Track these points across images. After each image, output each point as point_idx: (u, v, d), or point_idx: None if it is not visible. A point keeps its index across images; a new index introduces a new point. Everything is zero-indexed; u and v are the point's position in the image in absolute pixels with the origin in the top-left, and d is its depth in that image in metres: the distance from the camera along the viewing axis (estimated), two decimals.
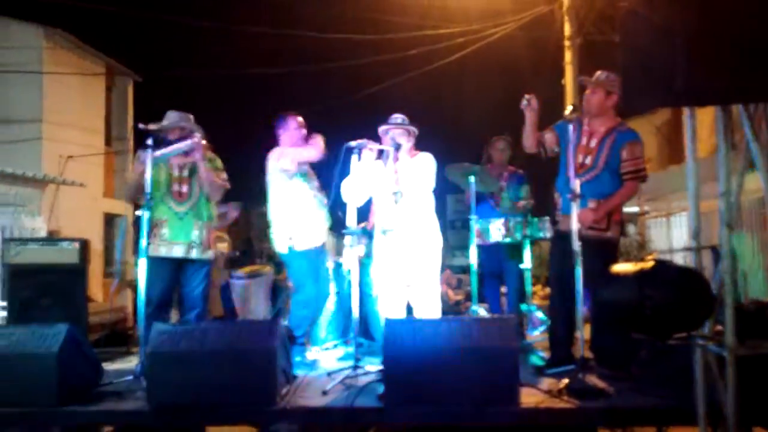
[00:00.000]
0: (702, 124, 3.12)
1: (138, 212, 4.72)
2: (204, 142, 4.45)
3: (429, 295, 4.37)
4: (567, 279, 3.85)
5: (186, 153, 4.38)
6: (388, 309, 4.39)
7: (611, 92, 4.05)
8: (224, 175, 4.65)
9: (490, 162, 5.75)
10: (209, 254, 4.55)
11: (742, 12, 2.42)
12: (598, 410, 3.22)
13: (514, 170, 5.75)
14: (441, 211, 4.58)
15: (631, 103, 2.74)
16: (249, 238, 6.73)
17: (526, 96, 4.11)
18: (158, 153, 4.11)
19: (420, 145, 4.63)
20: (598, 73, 4.14)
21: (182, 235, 4.44)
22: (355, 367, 3.81)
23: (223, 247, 7.11)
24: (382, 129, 4.52)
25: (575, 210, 3.72)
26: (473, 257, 5.51)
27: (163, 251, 4.39)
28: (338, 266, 5.64)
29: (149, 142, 4.04)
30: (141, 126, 4.14)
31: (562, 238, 4.04)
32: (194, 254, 4.45)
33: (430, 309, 4.37)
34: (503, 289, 5.89)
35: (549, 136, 4.28)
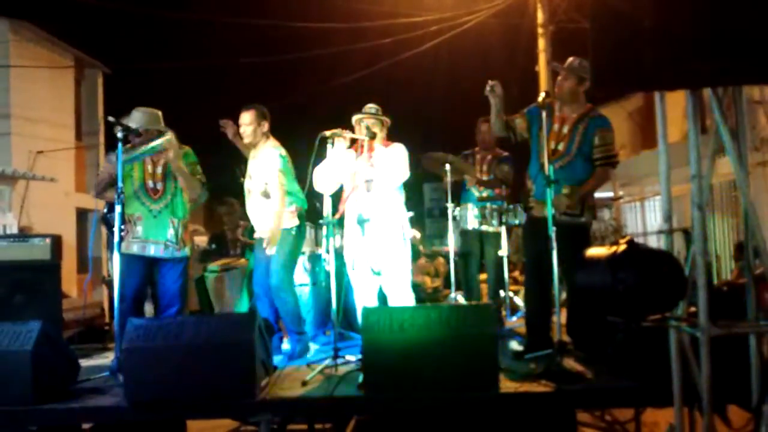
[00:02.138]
0: (674, 108, 3.16)
1: (104, 210, 4.59)
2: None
3: (400, 284, 4.39)
4: (542, 264, 3.88)
5: (159, 151, 4.30)
6: (360, 297, 4.41)
7: (584, 79, 4.07)
8: (199, 169, 4.57)
9: (476, 144, 5.80)
10: (185, 252, 4.47)
11: None
12: (577, 393, 3.27)
13: (499, 152, 5.78)
14: (418, 199, 4.61)
15: (601, 88, 2.76)
16: (222, 231, 6.64)
17: (490, 82, 4.10)
18: (128, 156, 4.04)
19: (394, 134, 4.63)
20: (571, 59, 4.16)
21: (157, 234, 4.36)
22: (335, 357, 3.81)
23: (201, 240, 7.05)
24: (355, 118, 4.51)
25: (550, 196, 3.76)
26: (451, 245, 5.56)
27: (136, 249, 4.32)
28: (316, 257, 5.63)
29: (120, 136, 3.97)
30: (110, 119, 4.06)
31: (536, 223, 4.07)
32: (169, 253, 4.37)
33: (401, 297, 4.39)
34: (483, 276, 5.93)
35: (519, 121, 4.29)
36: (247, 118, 4.57)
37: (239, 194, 4.91)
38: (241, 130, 4.61)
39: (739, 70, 2.44)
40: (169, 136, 4.26)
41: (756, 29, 2.42)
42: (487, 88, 4.12)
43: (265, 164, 4.50)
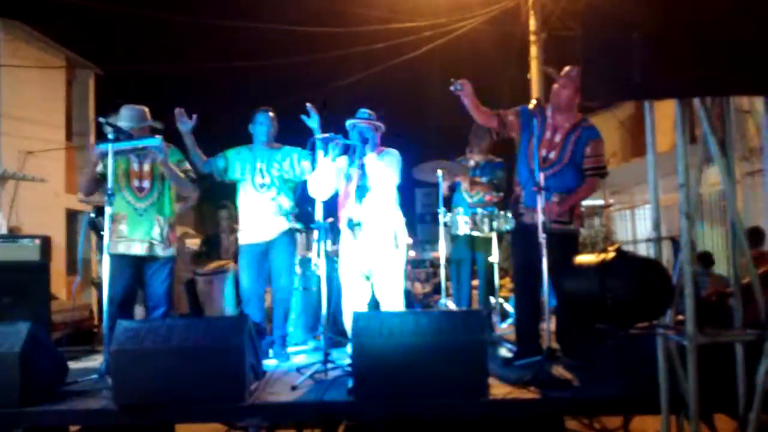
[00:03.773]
0: (665, 117, 3.17)
1: (92, 214, 4.60)
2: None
3: (392, 290, 4.39)
4: (532, 271, 3.90)
5: (146, 149, 4.27)
6: (351, 303, 4.41)
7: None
8: (187, 165, 4.57)
9: (470, 150, 5.81)
10: (171, 251, 4.45)
11: (699, 6, 2.47)
12: (565, 400, 3.28)
13: (493, 158, 5.79)
14: (410, 205, 4.62)
15: (590, 96, 2.78)
16: (216, 233, 6.64)
17: (458, 82, 4.02)
18: (116, 149, 3.98)
19: (387, 139, 4.63)
20: (569, 68, 4.11)
21: (142, 233, 4.33)
22: (325, 362, 3.81)
23: (192, 243, 7.02)
24: (349, 123, 4.52)
25: (540, 203, 3.77)
26: (442, 251, 5.56)
27: (121, 248, 4.28)
28: (307, 261, 5.62)
29: (110, 137, 3.96)
30: (101, 119, 4.05)
31: (526, 230, 4.07)
32: (155, 252, 4.35)
33: (393, 303, 4.39)
34: (475, 282, 5.93)
35: (512, 118, 4.24)
36: (267, 117, 4.75)
37: (232, 194, 4.91)
38: (265, 129, 4.73)
39: (728, 81, 2.47)
40: (160, 140, 4.24)
41: (745, 40, 2.45)
42: (453, 88, 4.02)
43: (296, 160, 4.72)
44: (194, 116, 4.49)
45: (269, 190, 4.66)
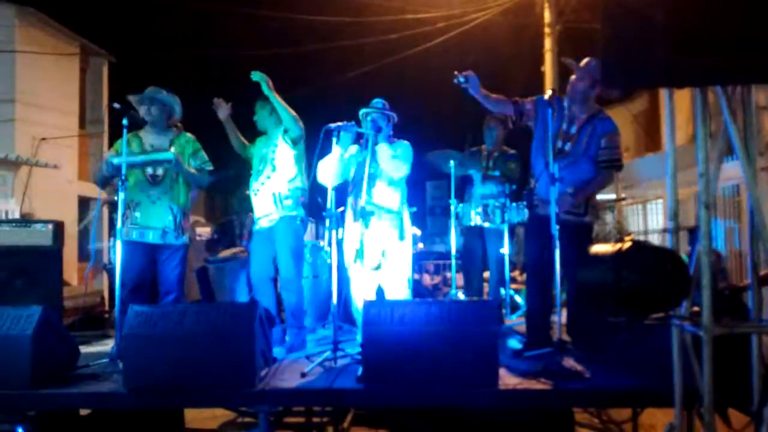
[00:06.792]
0: (679, 111, 3.13)
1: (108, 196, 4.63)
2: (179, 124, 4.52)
3: (397, 279, 4.38)
4: (544, 262, 3.87)
5: (160, 162, 4.35)
6: (359, 291, 4.40)
7: (598, 81, 4.00)
8: (203, 155, 4.60)
9: (483, 141, 5.77)
10: (184, 239, 4.48)
11: None
12: (575, 392, 3.26)
13: (506, 149, 5.75)
14: (420, 197, 4.61)
15: (610, 85, 2.74)
16: (230, 221, 6.64)
17: (462, 74, 3.96)
18: (129, 160, 4.14)
19: (400, 130, 4.61)
20: (587, 59, 4.07)
21: (155, 220, 4.37)
22: (335, 350, 3.81)
23: (203, 231, 7.05)
24: (362, 113, 4.50)
25: (554, 195, 3.73)
26: (453, 242, 5.54)
27: (135, 235, 4.33)
28: (317, 249, 5.62)
29: (124, 122, 4.04)
30: (116, 106, 4.09)
31: (539, 222, 4.05)
32: (168, 239, 4.38)
33: (398, 293, 4.38)
34: (486, 274, 5.91)
35: (530, 108, 4.21)
36: (256, 107, 4.72)
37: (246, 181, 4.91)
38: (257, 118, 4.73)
39: (751, 69, 2.42)
40: (173, 154, 4.33)
41: None
42: (456, 81, 3.95)
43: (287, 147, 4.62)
44: (229, 104, 4.65)
45: (262, 173, 4.59)
